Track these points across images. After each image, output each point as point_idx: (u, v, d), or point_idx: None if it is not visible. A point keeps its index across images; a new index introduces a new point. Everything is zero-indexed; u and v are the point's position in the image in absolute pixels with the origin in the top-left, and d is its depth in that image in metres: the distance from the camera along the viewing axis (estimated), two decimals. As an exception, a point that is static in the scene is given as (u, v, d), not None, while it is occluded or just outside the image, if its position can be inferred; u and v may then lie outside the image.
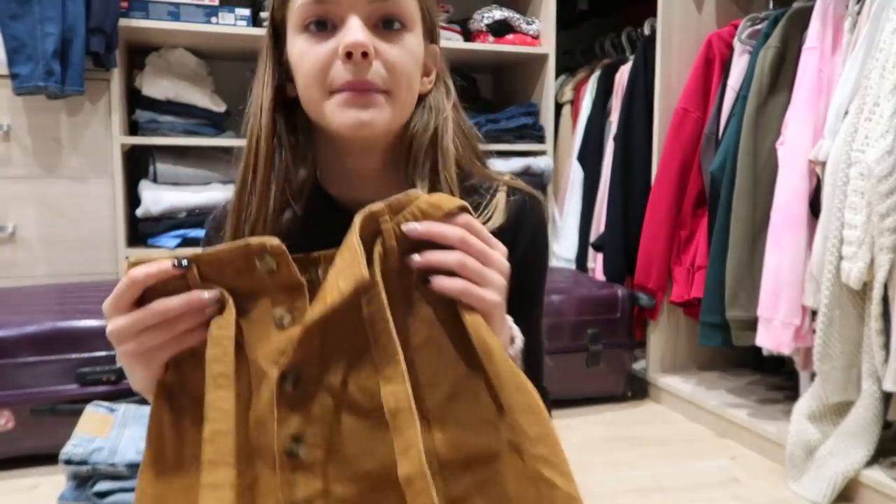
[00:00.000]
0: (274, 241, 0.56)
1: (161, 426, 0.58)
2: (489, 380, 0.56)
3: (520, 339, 0.65)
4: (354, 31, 0.63)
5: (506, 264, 0.59)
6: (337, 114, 0.65)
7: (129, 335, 0.56)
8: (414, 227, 0.56)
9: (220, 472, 0.54)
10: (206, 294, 0.56)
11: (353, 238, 0.55)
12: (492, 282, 0.57)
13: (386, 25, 0.66)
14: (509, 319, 0.63)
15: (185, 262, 0.55)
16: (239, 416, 0.56)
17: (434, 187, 0.68)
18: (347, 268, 0.54)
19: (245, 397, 0.57)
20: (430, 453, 0.56)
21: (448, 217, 0.56)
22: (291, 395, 0.57)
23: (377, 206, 0.56)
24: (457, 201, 0.57)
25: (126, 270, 0.55)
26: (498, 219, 0.70)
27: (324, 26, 0.65)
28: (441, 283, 0.56)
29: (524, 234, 0.73)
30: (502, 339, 0.60)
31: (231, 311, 0.56)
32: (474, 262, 0.56)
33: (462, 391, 0.58)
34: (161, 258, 0.55)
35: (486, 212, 0.70)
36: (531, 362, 0.71)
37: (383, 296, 0.55)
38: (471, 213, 0.58)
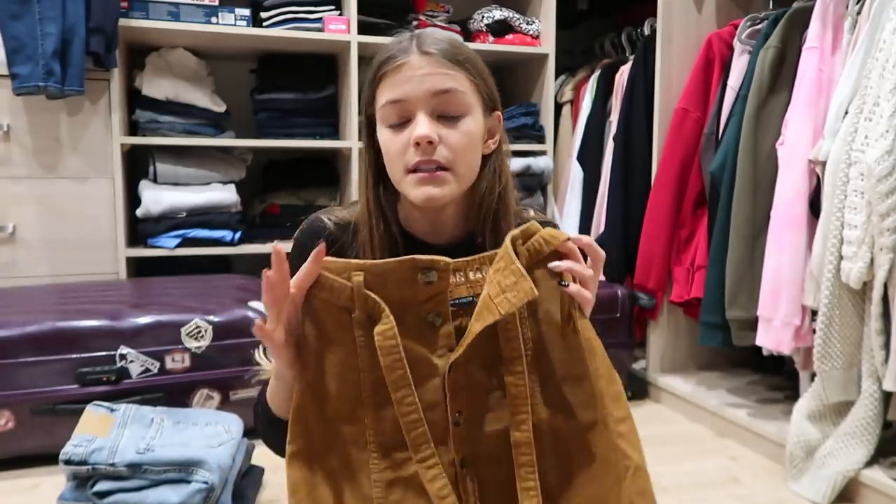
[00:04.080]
0: (443, 259, 0.72)
1: (307, 419, 0.73)
2: (587, 370, 0.74)
3: None
4: (421, 125, 0.83)
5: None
6: (412, 190, 0.85)
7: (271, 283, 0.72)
8: (558, 248, 0.77)
9: (426, 450, 0.71)
10: (321, 246, 0.72)
11: (512, 256, 0.72)
12: (594, 289, 0.79)
13: (448, 115, 0.85)
14: None
15: (332, 239, 0.76)
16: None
17: (498, 236, 0.86)
18: (514, 284, 0.70)
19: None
20: (543, 423, 0.74)
21: (564, 244, 0.76)
22: (452, 380, 0.73)
23: (515, 232, 0.75)
24: (564, 234, 0.77)
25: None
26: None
27: (400, 121, 0.85)
28: (575, 289, 0.76)
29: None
30: None
31: (391, 322, 0.70)
32: (590, 279, 0.78)
33: (568, 377, 0.75)
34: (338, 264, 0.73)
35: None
36: None
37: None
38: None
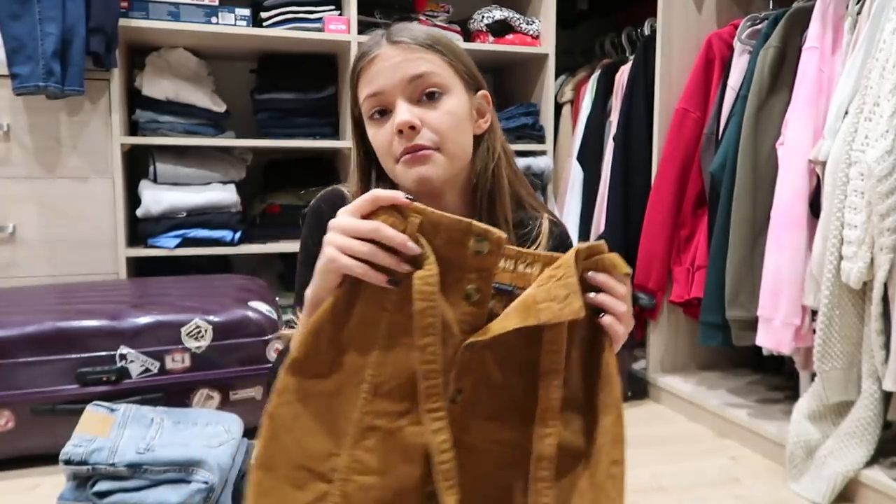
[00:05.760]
0: (498, 233, 0.69)
1: (320, 334, 0.70)
2: (601, 403, 0.73)
3: None
4: (401, 112, 0.83)
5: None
6: (404, 174, 0.85)
7: (345, 233, 0.69)
8: (594, 276, 0.72)
9: (436, 402, 0.69)
10: (412, 245, 0.68)
11: (572, 270, 0.69)
12: (630, 327, 0.75)
13: (427, 97, 0.85)
14: None
15: (413, 199, 0.68)
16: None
17: (493, 218, 0.87)
18: (565, 298, 0.68)
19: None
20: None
21: (624, 276, 0.73)
22: (465, 360, 0.71)
23: (581, 247, 0.72)
24: (627, 268, 0.74)
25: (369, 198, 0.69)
26: (543, 245, 0.91)
27: (383, 113, 0.86)
28: (609, 321, 0.73)
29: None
30: None
31: (435, 269, 0.68)
32: (628, 314, 0.74)
33: (583, 404, 0.74)
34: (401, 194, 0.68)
35: (535, 239, 0.91)
36: None
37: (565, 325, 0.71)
38: (631, 278, 0.76)
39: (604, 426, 0.73)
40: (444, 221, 0.69)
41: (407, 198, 0.68)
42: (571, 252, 0.71)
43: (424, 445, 0.71)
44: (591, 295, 0.72)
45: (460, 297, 0.71)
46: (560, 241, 0.94)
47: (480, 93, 0.91)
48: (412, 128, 0.83)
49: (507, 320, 0.70)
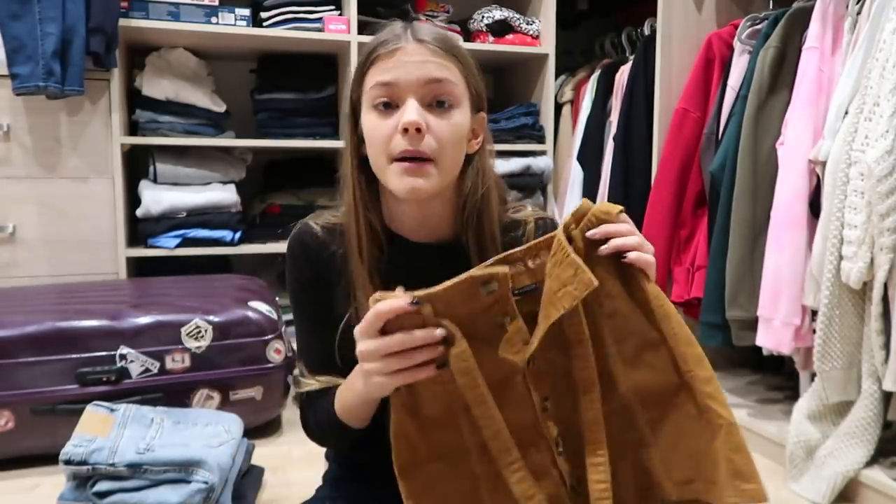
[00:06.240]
0: (500, 270, 0.73)
1: (408, 434, 0.75)
2: (664, 334, 0.75)
3: None
4: (411, 111, 0.81)
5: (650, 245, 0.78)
6: (396, 179, 0.83)
7: (375, 357, 0.71)
8: (595, 232, 0.74)
9: (510, 456, 0.74)
10: (438, 331, 0.71)
11: (566, 246, 0.72)
12: (651, 251, 0.76)
13: (438, 104, 0.83)
14: None
15: (419, 302, 0.70)
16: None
17: (481, 237, 0.88)
18: (573, 276, 0.71)
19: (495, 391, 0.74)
20: (629, 393, 0.77)
21: (619, 215, 0.75)
22: (532, 371, 0.75)
23: (567, 218, 0.75)
24: (617, 207, 0.75)
25: (372, 304, 0.70)
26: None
27: (388, 105, 0.83)
28: (635, 256, 0.73)
29: None
30: None
31: (463, 343, 0.72)
32: (647, 243, 0.75)
33: (646, 344, 0.76)
34: (400, 296, 0.70)
35: (523, 240, 0.89)
36: None
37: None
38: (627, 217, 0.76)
39: (681, 353, 0.74)
40: (451, 293, 0.71)
41: (409, 303, 0.69)
42: (560, 228, 0.74)
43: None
44: (603, 248, 0.74)
45: (497, 331, 0.74)
46: (549, 230, 0.94)
47: (481, 114, 0.91)
48: (418, 130, 0.81)
49: (540, 324, 0.73)
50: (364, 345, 0.72)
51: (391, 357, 0.71)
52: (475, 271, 0.72)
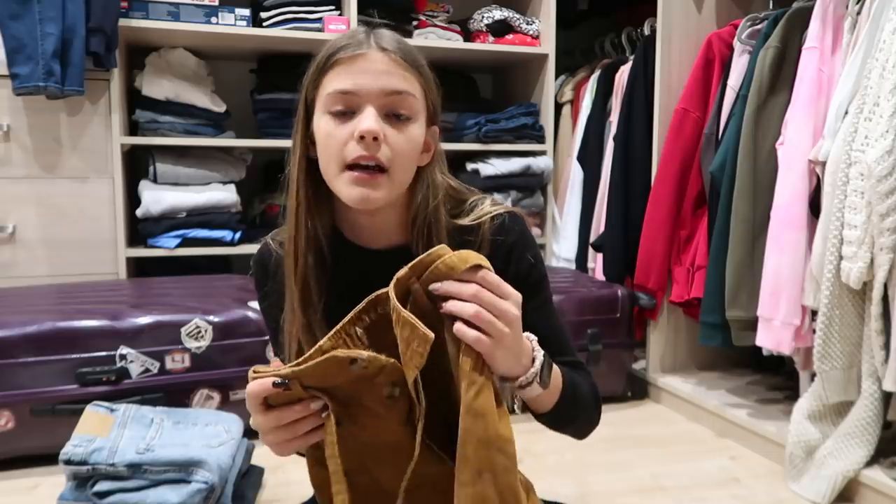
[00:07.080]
0: (359, 355, 0.69)
1: (323, 483, 0.76)
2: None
3: (540, 355, 0.80)
4: (368, 118, 0.80)
5: (515, 311, 0.73)
6: (346, 188, 0.82)
7: (265, 430, 0.74)
8: (437, 287, 0.71)
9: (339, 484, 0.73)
10: (313, 405, 0.72)
11: (396, 306, 0.69)
12: (498, 329, 0.70)
13: (396, 116, 0.83)
14: (533, 340, 0.79)
15: (285, 381, 0.70)
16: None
17: (431, 247, 0.81)
18: (412, 334, 0.68)
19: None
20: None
21: (469, 272, 0.70)
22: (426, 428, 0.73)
23: (404, 272, 0.70)
24: (476, 259, 0.71)
25: (249, 379, 0.72)
26: (486, 250, 0.88)
27: (345, 112, 0.82)
28: (461, 329, 0.70)
29: (511, 250, 0.91)
30: (518, 368, 0.76)
31: (331, 419, 0.72)
32: (486, 314, 0.70)
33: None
34: (268, 374, 0.70)
35: (477, 246, 0.88)
36: (560, 340, 0.93)
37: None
38: (488, 268, 0.72)
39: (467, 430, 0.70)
40: (319, 370, 0.70)
41: (274, 384, 0.70)
42: (392, 285, 0.70)
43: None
44: (443, 305, 0.71)
45: (388, 404, 0.74)
46: (503, 232, 0.91)
47: (434, 128, 0.90)
48: (375, 138, 0.80)
49: (408, 384, 0.72)
50: (253, 419, 0.74)
51: (279, 429, 0.73)
52: (338, 352, 0.69)
